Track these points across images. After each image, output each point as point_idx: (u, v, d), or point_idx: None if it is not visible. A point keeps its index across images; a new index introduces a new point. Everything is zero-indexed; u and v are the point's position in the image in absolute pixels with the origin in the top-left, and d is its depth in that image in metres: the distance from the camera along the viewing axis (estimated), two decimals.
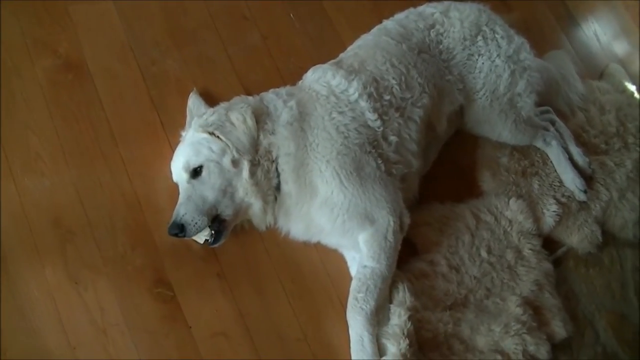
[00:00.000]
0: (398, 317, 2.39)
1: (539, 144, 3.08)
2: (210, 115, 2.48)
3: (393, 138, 2.55)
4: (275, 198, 2.50)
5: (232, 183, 2.43)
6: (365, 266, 2.43)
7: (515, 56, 2.93)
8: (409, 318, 2.38)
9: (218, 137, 2.43)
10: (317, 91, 2.56)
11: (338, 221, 2.42)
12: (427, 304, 2.56)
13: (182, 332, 2.46)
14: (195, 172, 2.41)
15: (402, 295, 2.46)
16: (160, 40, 2.97)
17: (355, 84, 2.54)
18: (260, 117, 2.48)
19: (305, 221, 2.50)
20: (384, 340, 2.36)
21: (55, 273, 2.48)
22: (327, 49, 2.99)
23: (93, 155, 2.69)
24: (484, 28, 2.89)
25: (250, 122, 2.43)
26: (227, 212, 2.43)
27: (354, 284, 2.42)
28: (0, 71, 2.74)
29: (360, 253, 2.48)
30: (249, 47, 3.05)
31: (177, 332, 2.46)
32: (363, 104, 2.52)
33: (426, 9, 2.92)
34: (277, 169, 2.47)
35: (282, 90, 2.63)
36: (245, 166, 2.42)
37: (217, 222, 2.43)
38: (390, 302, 2.47)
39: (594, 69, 3.61)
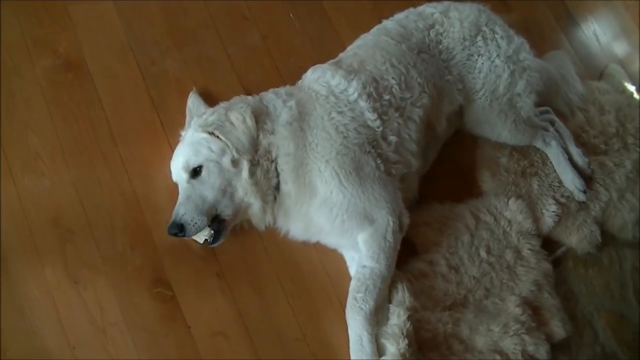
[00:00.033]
0: (397, 317, 2.39)
1: (539, 144, 3.08)
2: (210, 115, 2.48)
3: (392, 138, 2.55)
4: (275, 198, 2.50)
5: (231, 183, 2.43)
6: (364, 266, 2.43)
7: (515, 56, 2.93)
8: (408, 318, 2.39)
9: (218, 137, 2.43)
10: (316, 91, 2.57)
11: (337, 221, 2.42)
12: (427, 304, 2.56)
13: (181, 331, 2.47)
14: (195, 172, 2.41)
15: (402, 295, 2.46)
16: (160, 40, 2.97)
17: (354, 83, 2.54)
18: (260, 117, 2.48)
19: (305, 221, 2.50)
20: (383, 340, 2.36)
21: (54, 272, 2.48)
22: (326, 49, 2.99)
23: (92, 155, 2.69)
24: (484, 28, 2.89)
25: (250, 122, 2.43)
26: (226, 212, 2.43)
27: (353, 284, 2.42)
28: (0, 71, 2.74)
29: (360, 253, 2.48)
30: (248, 47, 3.05)
31: (176, 332, 2.46)
32: (362, 103, 2.52)
33: (426, 9, 2.92)
34: (276, 168, 2.47)
35: (282, 90, 2.63)
36: (245, 166, 2.42)
37: (216, 222, 2.43)
38: (390, 302, 2.47)
39: (593, 70, 3.60)
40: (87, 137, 2.72)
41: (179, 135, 2.62)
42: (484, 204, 2.90)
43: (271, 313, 2.57)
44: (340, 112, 2.49)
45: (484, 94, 2.88)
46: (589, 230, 2.96)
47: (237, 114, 2.44)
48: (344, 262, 2.69)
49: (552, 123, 3.16)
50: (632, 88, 3.56)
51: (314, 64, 2.71)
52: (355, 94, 2.53)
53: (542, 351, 2.56)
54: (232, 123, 2.44)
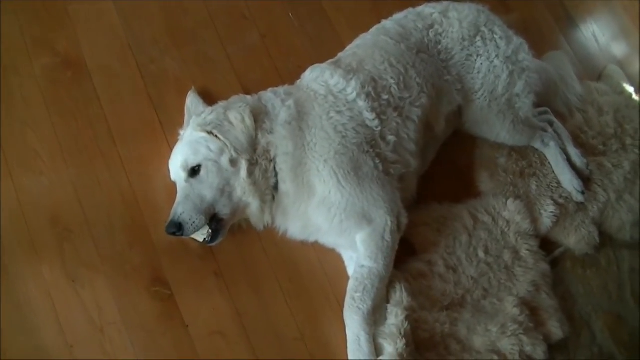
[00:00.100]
0: (395, 317, 2.39)
1: (537, 144, 3.08)
2: (209, 114, 2.48)
3: (391, 138, 2.55)
4: (273, 197, 2.50)
5: (230, 182, 2.43)
6: (362, 266, 2.43)
7: (514, 57, 2.93)
8: (406, 318, 2.39)
9: (216, 136, 2.42)
10: (315, 90, 2.56)
11: (335, 221, 2.42)
12: (424, 304, 2.56)
13: (179, 330, 2.47)
14: (194, 171, 2.41)
15: (400, 295, 2.46)
16: (159, 39, 2.97)
17: (353, 83, 2.54)
18: (259, 116, 2.48)
19: (303, 220, 2.50)
20: (380, 340, 2.36)
21: (52, 271, 2.49)
22: (326, 49, 2.98)
23: (91, 154, 2.70)
24: (483, 29, 2.88)
25: (249, 121, 2.43)
26: (224, 211, 2.43)
27: (351, 284, 2.42)
28: None
29: (358, 253, 2.48)
30: (248, 46, 3.06)
31: (174, 331, 2.47)
32: (361, 103, 2.52)
33: (425, 9, 2.92)
34: (275, 168, 2.47)
35: (281, 90, 2.63)
36: (244, 165, 2.42)
37: (214, 221, 2.43)
38: (388, 301, 2.47)
39: (592, 70, 3.60)
40: (86, 136, 2.72)
41: (178, 135, 2.62)
42: (483, 205, 2.90)
43: (269, 312, 2.57)
44: (338, 112, 2.49)
45: (482, 95, 2.87)
46: (587, 231, 2.96)
47: (236, 113, 2.44)
48: (342, 262, 2.69)
49: (551, 124, 3.16)
50: (630, 89, 3.56)
51: (313, 64, 2.71)
52: (354, 94, 2.53)
53: (540, 352, 2.56)
54: (230, 122, 2.44)
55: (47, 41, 2.86)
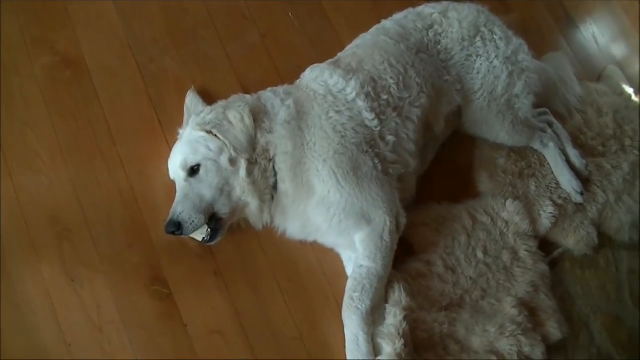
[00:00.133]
0: (394, 317, 2.39)
1: (537, 145, 3.08)
2: (208, 113, 2.48)
3: (390, 138, 2.55)
4: (272, 197, 2.50)
5: (229, 182, 2.43)
6: (361, 266, 2.43)
7: (514, 57, 2.92)
8: (405, 318, 2.39)
9: (216, 135, 2.43)
10: (314, 90, 2.56)
11: (334, 220, 2.42)
12: (423, 304, 2.56)
13: (178, 329, 2.47)
14: (193, 171, 2.42)
15: (398, 295, 2.46)
16: (159, 38, 2.97)
17: (352, 83, 2.54)
18: (258, 115, 2.48)
19: (302, 220, 2.50)
20: (379, 340, 2.36)
21: (52, 270, 2.49)
22: (325, 49, 2.98)
23: (91, 153, 2.70)
24: (483, 29, 2.88)
25: (248, 120, 2.43)
26: (223, 210, 2.43)
27: (349, 284, 2.42)
28: None
29: (357, 252, 2.48)
30: (247, 46, 3.05)
31: (173, 330, 2.47)
32: (360, 103, 2.52)
33: (425, 9, 2.92)
34: (274, 167, 2.47)
35: (280, 89, 2.63)
36: (243, 165, 2.42)
37: (214, 220, 2.43)
38: (386, 301, 2.47)
39: (592, 71, 3.60)
40: (85, 135, 2.72)
41: (177, 134, 2.63)
42: (482, 205, 2.90)
43: (268, 312, 2.57)
44: (338, 112, 2.49)
45: (482, 95, 2.87)
46: (585, 232, 2.96)
47: (235, 112, 2.44)
48: (341, 262, 2.69)
49: (550, 124, 3.15)
50: (630, 90, 3.56)
51: (312, 64, 2.71)
52: (354, 94, 2.53)
53: (538, 352, 2.56)
54: (230, 122, 2.44)
55: (46, 40, 2.86)
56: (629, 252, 3.07)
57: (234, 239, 2.63)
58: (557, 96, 3.27)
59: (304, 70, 2.71)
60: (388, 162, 2.54)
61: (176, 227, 2.35)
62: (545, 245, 2.93)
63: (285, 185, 2.45)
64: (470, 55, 2.86)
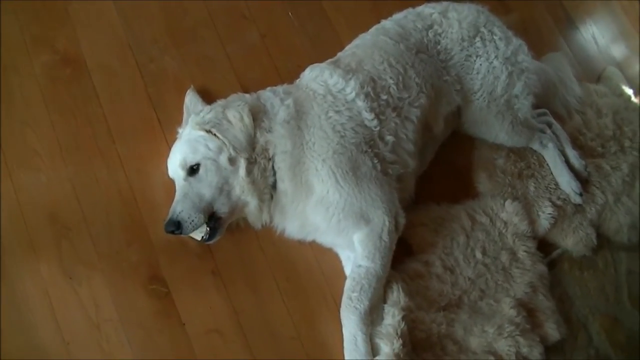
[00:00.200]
0: (392, 317, 2.39)
1: (536, 146, 3.08)
2: (207, 112, 2.48)
3: (390, 138, 2.55)
4: (271, 196, 2.50)
5: (228, 181, 2.43)
6: (359, 265, 2.43)
7: (513, 58, 2.92)
8: (403, 318, 2.39)
9: (215, 135, 2.42)
10: (314, 90, 2.56)
11: (333, 220, 2.42)
12: (421, 304, 2.56)
13: (175, 328, 2.47)
14: (192, 170, 2.41)
15: (397, 295, 2.46)
16: (158, 38, 2.97)
17: (352, 83, 2.54)
18: (257, 114, 2.48)
19: (301, 219, 2.50)
20: (377, 340, 2.37)
21: (50, 268, 2.49)
22: (325, 49, 2.97)
23: (90, 152, 2.70)
24: (482, 29, 2.88)
25: (247, 119, 2.43)
26: (223, 209, 2.43)
27: (348, 283, 2.42)
28: None
29: (355, 252, 2.47)
30: (247, 45, 3.05)
31: (170, 329, 2.47)
32: (360, 103, 2.52)
33: (425, 9, 2.91)
34: (273, 167, 2.47)
35: (280, 89, 2.63)
36: (242, 164, 2.42)
37: (213, 220, 2.43)
38: (385, 302, 2.47)
39: (591, 72, 3.60)
40: (85, 134, 2.72)
41: (176, 133, 2.63)
42: (480, 205, 2.90)
43: (266, 311, 2.57)
44: (337, 112, 2.49)
45: (481, 95, 2.87)
46: (584, 233, 2.96)
47: (235, 112, 2.44)
48: (340, 262, 2.69)
49: (550, 125, 3.15)
50: (629, 91, 3.56)
51: (312, 63, 2.71)
52: (353, 94, 2.52)
53: (536, 353, 2.56)
54: (229, 121, 2.43)
55: (46, 39, 2.86)
56: (628, 253, 3.08)
57: (233, 238, 2.63)
58: (556, 97, 3.27)
59: (303, 70, 2.71)
60: (387, 162, 2.54)
61: (176, 226, 2.35)
62: (544, 246, 2.93)
63: (284, 184, 2.45)
64: (470, 56, 2.86)
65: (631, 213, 3.09)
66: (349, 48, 2.84)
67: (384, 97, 2.57)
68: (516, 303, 2.65)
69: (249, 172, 2.42)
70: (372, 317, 2.40)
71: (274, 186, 2.48)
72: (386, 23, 2.88)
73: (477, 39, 2.86)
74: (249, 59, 3.02)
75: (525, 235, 2.85)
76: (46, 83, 2.77)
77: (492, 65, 2.87)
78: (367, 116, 2.51)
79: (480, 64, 2.86)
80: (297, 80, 2.71)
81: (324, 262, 2.69)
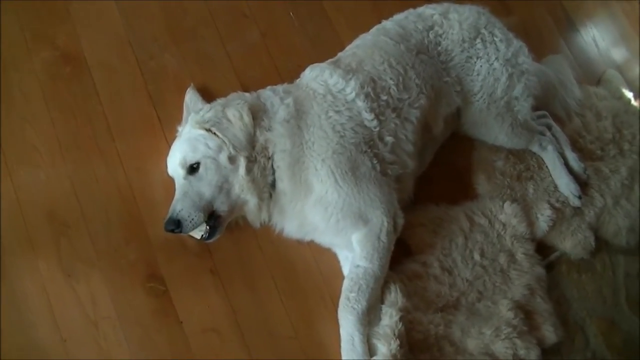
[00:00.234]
0: (389, 318, 2.39)
1: (535, 148, 3.08)
2: (207, 111, 2.48)
3: (389, 138, 2.55)
4: (271, 195, 2.50)
5: (228, 179, 2.43)
6: (357, 266, 2.43)
7: (514, 60, 2.92)
8: (400, 319, 2.39)
9: (215, 133, 2.42)
10: (314, 89, 2.56)
11: (332, 220, 2.42)
12: (419, 305, 2.56)
13: (173, 326, 2.47)
14: (192, 169, 2.41)
15: (394, 295, 2.47)
16: (159, 36, 2.96)
17: (352, 83, 2.54)
18: (257, 113, 2.48)
19: (299, 219, 2.50)
20: (374, 341, 2.37)
21: (48, 265, 2.49)
22: (325, 48, 2.97)
23: (89, 149, 2.69)
24: (483, 31, 2.88)
25: (247, 118, 2.42)
26: (222, 208, 2.43)
27: (346, 284, 2.42)
28: None
29: (354, 253, 2.47)
30: (247, 44, 3.04)
31: (168, 327, 2.47)
32: (360, 103, 2.52)
33: (425, 10, 2.91)
34: (272, 166, 2.47)
35: (280, 88, 2.63)
36: (242, 163, 2.41)
37: (212, 218, 2.43)
38: (382, 302, 2.47)
39: (591, 75, 3.60)
40: (84, 131, 2.72)
41: (176, 131, 2.62)
42: (479, 207, 2.90)
43: (264, 310, 2.57)
44: (337, 112, 2.49)
45: (481, 97, 2.87)
46: (583, 236, 2.97)
47: (234, 110, 2.44)
48: (338, 262, 2.69)
49: (549, 127, 3.16)
50: (629, 94, 3.57)
51: (312, 63, 2.70)
52: (353, 94, 2.52)
53: (533, 355, 2.57)
54: (229, 120, 2.43)
55: (47, 36, 2.85)
56: (626, 256, 3.08)
57: (232, 237, 2.63)
58: (556, 99, 3.28)
59: (303, 70, 2.71)
60: (386, 163, 2.54)
61: (175, 225, 2.34)
62: (542, 248, 2.94)
63: (284, 183, 2.45)
64: (471, 57, 2.86)
65: (630, 216, 3.10)
66: (349, 48, 2.83)
67: (384, 97, 2.57)
68: (514, 305, 2.65)
69: (248, 170, 2.42)
70: (369, 317, 2.40)
71: (273, 185, 2.48)
72: (387, 23, 2.88)
73: (478, 40, 2.86)
74: (249, 58, 3.02)
75: (524, 237, 2.86)
76: (46, 80, 2.77)
77: (492, 67, 2.87)
78: (367, 116, 2.51)
79: (481, 66, 2.86)
80: (297, 80, 2.71)
81: (322, 261, 2.69)
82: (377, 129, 2.52)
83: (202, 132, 2.43)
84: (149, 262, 2.56)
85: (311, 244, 2.66)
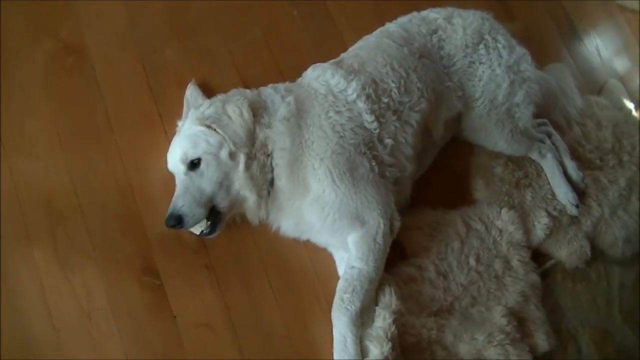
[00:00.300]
0: (383, 320, 2.39)
1: (534, 155, 3.08)
2: (207, 107, 2.47)
3: (389, 141, 2.55)
4: (269, 193, 2.50)
5: (228, 176, 2.42)
6: (353, 267, 2.43)
7: (516, 66, 2.93)
8: (394, 321, 2.39)
9: (215, 130, 2.42)
10: (315, 89, 2.56)
11: (328, 220, 2.42)
12: (413, 308, 2.56)
13: (166, 321, 2.48)
14: (193, 165, 2.40)
15: (388, 298, 2.46)
16: (161, 31, 2.96)
17: (354, 84, 2.54)
18: (257, 110, 2.48)
19: (296, 217, 2.50)
20: (367, 342, 2.37)
21: (44, 255, 2.50)
22: (327, 48, 2.97)
23: (89, 141, 2.70)
24: (486, 36, 2.88)
25: (247, 115, 2.42)
26: (223, 204, 2.43)
27: (340, 284, 2.42)
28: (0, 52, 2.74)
29: (349, 253, 2.47)
30: (249, 42, 3.05)
31: (161, 321, 2.48)
32: (361, 105, 2.52)
33: (429, 13, 2.92)
34: (271, 163, 2.47)
35: (281, 86, 2.63)
36: (242, 159, 2.41)
37: (213, 214, 2.43)
38: (376, 304, 2.47)
39: (593, 84, 3.60)
40: (84, 123, 2.72)
41: (176, 126, 2.62)
42: (476, 212, 2.90)
43: (258, 308, 2.57)
44: (338, 112, 2.49)
45: (482, 102, 2.87)
46: (579, 245, 2.96)
47: (235, 106, 2.43)
48: (333, 262, 2.69)
49: (549, 135, 3.16)
50: (630, 105, 3.57)
51: (314, 63, 2.70)
52: (354, 95, 2.52)
53: None
54: (229, 116, 2.43)
55: (49, 27, 2.85)
56: (621, 267, 3.08)
57: (228, 234, 2.63)
58: (557, 107, 3.28)
59: (305, 69, 2.71)
60: (385, 165, 2.54)
61: (177, 220, 2.34)
62: (538, 256, 2.93)
63: (282, 181, 2.45)
64: (473, 62, 2.86)
65: (626, 227, 3.10)
66: (352, 49, 2.83)
67: (385, 100, 2.57)
68: (507, 312, 2.65)
69: (247, 167, 2.41)
70: (362, 319, 2.40)
71: (272, 183, 2.48)
72: (390, 26, 2.88)
73: (481, 46, 2.87)
74: (250, 55, 3.02)
75: (520, 244, 2.85)
76: (48, 71, 2.77)
77: (494, 73, 2.87)
78: (367, 118, 2.51)
79: (483, 71, 2.86)
80: (299, 79, 2.71)
81: (317, 261, 2.69)
82: (377, 131, 2.52)
83: (203, 128, 2.43)
84: (145, 256, 2.56)
85: (307, 244, 2.65)
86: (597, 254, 3.05)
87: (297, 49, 3.09)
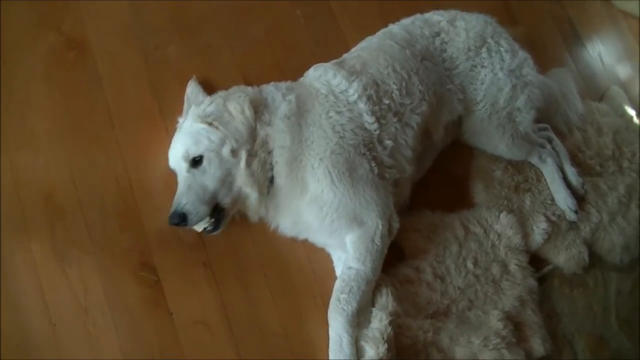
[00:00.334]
0: (379, 321, 2.39)
1: (534, 160, 3.09)
2: (208, 105, 2.47)
3: (389, 142, 2.55)
4: (269, 191, 2.50)
5: (231, 172, 2.42)
6: (350, 267, 2.43)
7: (518, 71, 2.93)
8: (390, 323, 2.39)
9: (217, 127, 2.42)
10: (317, 89, 2.56)
11: (326, 220, 2.42)
12: (409, 310, 2.56)
13: (163, 317, 2.47)
14: (195, 162, 2.40)
15: (385, 299, 2.46)
16: (164, 27, 2.95)
17: (355, 85, 2.54)
18: (258, 107, 2.48)
19: (294, 216, 2.50)
20: (362, 343, 2.36)
21: (42, 249, 2.48)
22: (330, 48, 2.98)
23: (89, 136, 2.69)
24: (489, 40, 2.89)
25: (248, 112, 2.42)
26: (226, 201, 2.42)
27: (337, 284, 2.42)
28: (0, 46, 2.73)
29: (347, 254, 2.47)
30: (252, 40, 3.04)
31: (158, 317, 2.47)
32: (362, 105, 2.52)
33: (433, 16, 2.92)
34: (272, 161, 2.47)
35: (283, 85, 2.63)
36: (243, 156, 2.41)
37: (216, 211, 2.42)
38: (373, 305, 2.47)
39: (595, 90, 3.61)
40: (85, 118, 2.71)
41: (177, 122, 2.62)
42: (475, 216, 2.90)
43: (254, 306, 2.57)
44: (338, 112, 2.49)
45: (484, 106, 2.88)
46: (577, 251, 2.97)
47: (235, 104, 2.43)
48: (331, 262, 2.69)
49: (550, 140, 3.16)
50: (632, 112, 3.57)
51: (316, 62, 2.71)
52: (355, 95, 2.52)
53: None
54: (230, 113, 2.43)
55: (52, 20, 2.83)
56: (619, 274, 3.09)
57: (227, 231, 2.60)
58: (558, 112, 3.28)
59: (307, 69, 2.71)
60: (384, 166, 2.54)
61: (181, 218, 2.32)
62: (536, 260, 2.94)
63: (281, 179, 2.45)
64: (475, 66, 2.86)
65: (625, 234, 3.10)
66: (354, 50, 2.84)
67: (386, 101, 2.57)
68: (504, 316, 2.65)
69: (248, 164, 2.41)
70: (359, 319, 2.39)
71: (272, 180, 2.48)
72: (393, 27, 2.88)
73: (484, 49, 2.87)
74: (252, 53, 3.01)
75: (518, 248, 2.86)
76: (50, 65, 2.76)
77: (496, 77, 2.87)
78: (368, 119, 2.51)
79: (485, 75, 2.86)
80: (301, 78, 2.71)
81: (315, 261, 2.69)
82: (377, 132, 2.52)
83: (204, 125, 2.43)
84: (143, 252, 2.55)
85: (305, 243, 2.65)
86: (594, 260, 3.05)
87: (299, 49, 3.08)
